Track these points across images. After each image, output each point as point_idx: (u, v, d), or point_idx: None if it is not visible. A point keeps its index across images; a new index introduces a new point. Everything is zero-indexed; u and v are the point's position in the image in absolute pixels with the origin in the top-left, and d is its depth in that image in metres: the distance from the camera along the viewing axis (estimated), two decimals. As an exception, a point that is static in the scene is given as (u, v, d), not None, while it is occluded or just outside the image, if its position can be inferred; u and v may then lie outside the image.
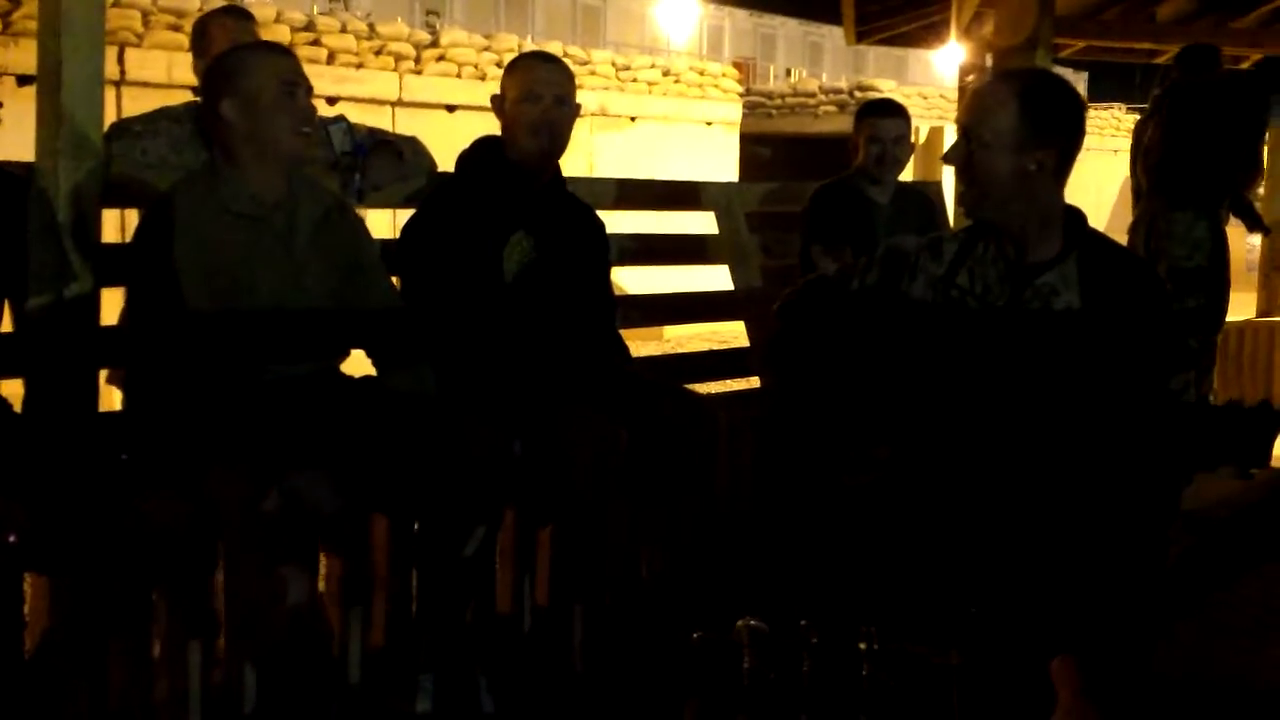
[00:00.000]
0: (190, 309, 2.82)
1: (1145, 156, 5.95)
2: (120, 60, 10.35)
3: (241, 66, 2.94)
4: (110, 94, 9.18)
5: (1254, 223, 7.14)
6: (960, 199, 2.66)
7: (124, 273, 3.02)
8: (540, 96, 3.36)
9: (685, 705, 2.53)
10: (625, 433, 3.29)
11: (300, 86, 2.96)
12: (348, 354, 3.19)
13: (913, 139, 4.72)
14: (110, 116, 3.23)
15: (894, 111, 4.60)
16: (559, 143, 3.42)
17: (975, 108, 2.57)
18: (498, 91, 3.45)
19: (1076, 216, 2.61)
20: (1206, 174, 5.67)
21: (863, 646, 2.41)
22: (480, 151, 3.47)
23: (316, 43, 12.03)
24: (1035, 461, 2.48)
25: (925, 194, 4.99)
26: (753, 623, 2.43)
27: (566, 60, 3.74)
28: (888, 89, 19.41)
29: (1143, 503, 2.51)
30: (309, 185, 3.07)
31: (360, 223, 3.21)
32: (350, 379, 3.12)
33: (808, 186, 4.71)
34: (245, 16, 3.77)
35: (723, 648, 2.45)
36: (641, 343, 6.73)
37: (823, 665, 2.44)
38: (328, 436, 2.87)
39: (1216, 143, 5.64)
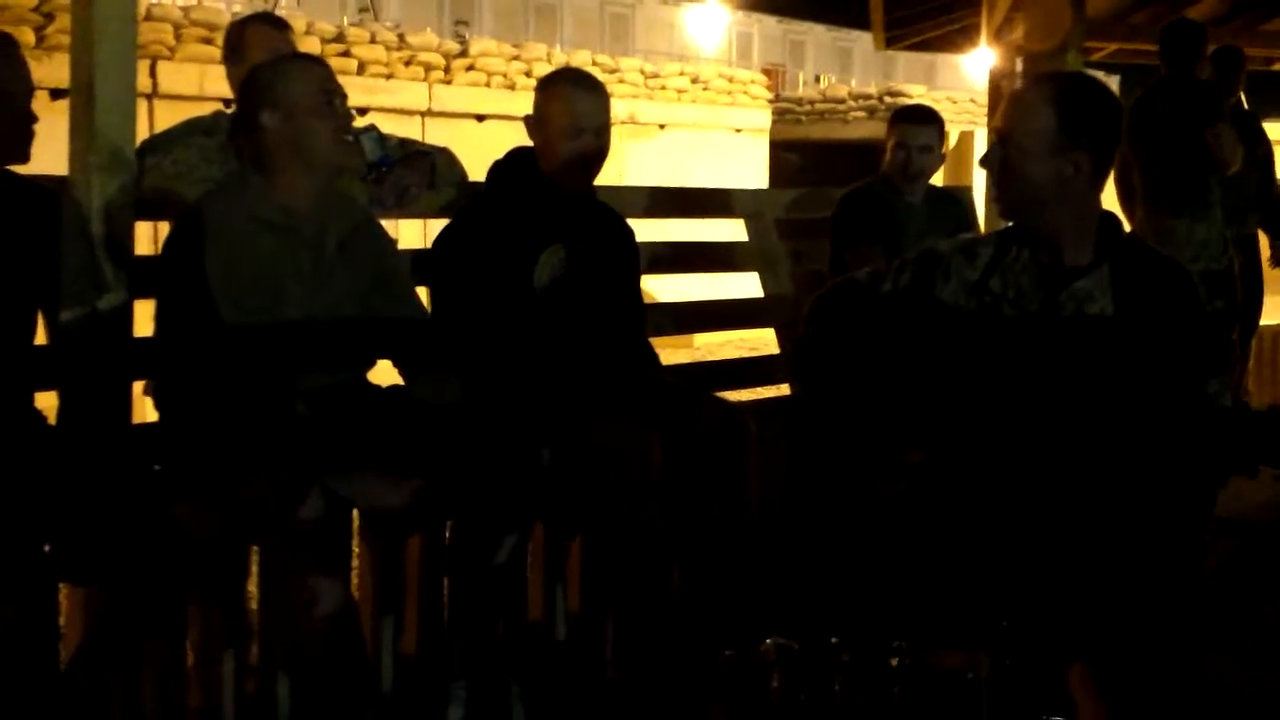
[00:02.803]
0: (222, 319, 2.84)
1: (1127, 171, 5.94)
2: (152, 73, 10.41)
3: (280, 77, 2.97)
4: (142, 107, 9.24)
5: (1274, 247, 7.02)
6: (996, 203, 2.66)
7: (155, 283, 3.03)
8: (582, 131, 3.34)
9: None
10: (659, 439, 3.29)
11: (337, 95, 3.00)
12: (374, 364, 3.20)
13: (943, 147, 4.69)
14: (142, 129, 3.25)
15: (925, 119, 4.56)
16: (597, 171, 3.43)
17: (1011, 111, 2.56)
18: (530, 106, 3.43)
19: (1111, 222, 2.60)
20: (1183, 178, 5.65)
21: (894, 663, 2.39)
22: (513, 165, 3.48)
23: (346, 53, 12.08)
24: (1070, 467, 2.47)
25: (958, 196, 4.97)
26: (781, 641, 2.42)
27: (595, 69, 3.73)
28: (917, 94, 19.34)
29: (1177, 507, 2.50)
30: (339, 197, 3.09)
31: (386, 235, 3.22)
32: (378, 388, 3.13)
33: (837, 192, 4.71)
34: (281, 25, 3.76)
35: (751, 666, 2.43)
36: (672, 350, 6.72)
37: (854, 684, 2.42)
38: (359, 445, 2.88)
39: (1180, 146, 5.63)
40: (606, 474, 3.18)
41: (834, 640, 2.40)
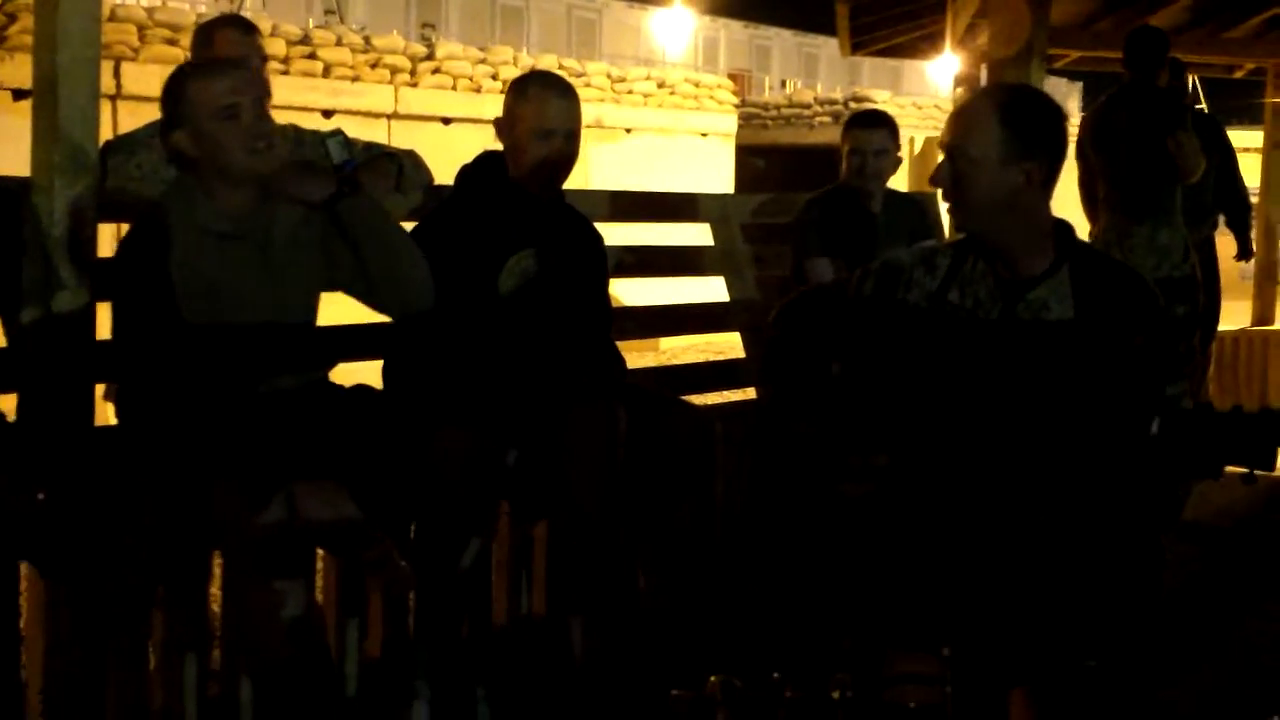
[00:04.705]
0: (186, 321, 2.83)
1: (1090, 178, 6.00)
2: (116, 74, 10.35)
3: (181, 94, 2.92)
4: (106, 108, 9.18)
5: (1242, 246, 7.12)
6: (951, 216, 2.67)
7: (114, 283, 3.00)
8: (553, 133, 3.33)
9: None
10: (624, 414, 3.28)
11: (242, 104, 2.91)
12: (334, 364, 3.19)
13: (901, 151, 4.73)
14: (106, 131, 3.23)
15: (877, 123, 4.62)
16: (566, 176, 3.42)
17: (957, 126, 2.58)
18: (498, 106, 3.43)
19: (1065, 229, 2.62)
20: (1145, 184, 5.71)
21: (836, 696, 2.40)
22: (482, 169, 3.47)
23: (312, 56, 12.04)
24: (1031, 473, 2.48)
25: (918, 201, 5.00)
26: (726, 678, 2.42)
27: (561, 73, 3.72)
28: (883, 100, 19.45)
29: (1138, 513, 2.52)
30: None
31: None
32: (341, 389, 3.12)
33: (803, 197, 4.73)
34: (249, 28, 3.73)
35: (698, 705, 2.44)
36: (638, 354, 6.73)
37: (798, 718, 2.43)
38: (323, 450, 2.87)
39: (1143, 152, 5.69)
40: (572, 450, 3.16)
41: (776, 676, 2.41)
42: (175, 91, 2.93)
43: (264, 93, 3.20)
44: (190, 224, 2.90)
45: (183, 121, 2.90)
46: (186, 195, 2.95)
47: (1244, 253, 7.21)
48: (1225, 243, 6.98)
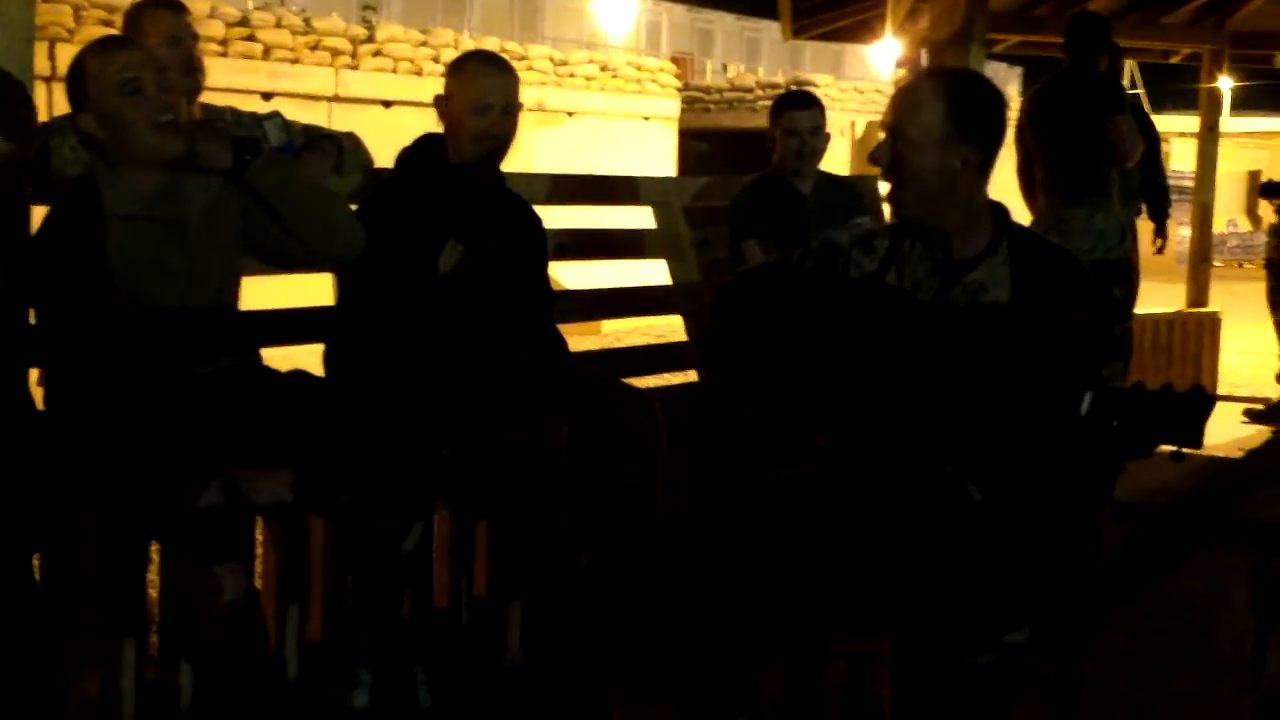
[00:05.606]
0: (123, 305, 2.80)
1: (1028, 162, 6.06)
2: (51, 56, 10.23)
3: (81, 75, 2.87)
4: (41, 90, 9.06)
5: (1159, 231, 7.20)
6: (888, 198, 2.69)
7: (43, 265, 2.93)
8: (490, 107, 3.34)
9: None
10: (565, 426, 3.30)
11: (143, 78, 2.85)
12: (262, 345, 3.17)
13: (841, 131, 4.77)
14: (41, 112, 3.19)
15: (807, 103, 4.65)
16: (504, 151, 3.42)
17: (901, 107, 2.60)
18: (440, 89, 3.43)
19: (1001, 212, 2.64)
20: (1083, 168, 5.77)
21: None
22: (421, 151, 3.46)
23: (252, 38, 11.94)
24: (966, 452, 2.50)
25: (850, 183, 5.04)
26: None
27: (505, 55, 3.72)
28: (824, 83, 19.49)
29: (1073, 494, 2.54)
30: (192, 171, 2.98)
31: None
32: (275, 373, 3.10)
33: (744, 181, 4.75)
34: (178, 8, 3.69)
35: None
36: (580, 337, 6.73)
37: None
38: (259, 433, 2.86)
39: (1081, 136, 5.75)
40: (513, 462, 3.18)
41: None
42: (76, 73, 2.88)
43: (196, 70, 3.15)
44: (107, 207, 2.87)
45: (85, 103, 2.85)
46: (101, 178, 2.91)
47: (1160, 242, 7.28)
48: (1145, 228, 7.06)
